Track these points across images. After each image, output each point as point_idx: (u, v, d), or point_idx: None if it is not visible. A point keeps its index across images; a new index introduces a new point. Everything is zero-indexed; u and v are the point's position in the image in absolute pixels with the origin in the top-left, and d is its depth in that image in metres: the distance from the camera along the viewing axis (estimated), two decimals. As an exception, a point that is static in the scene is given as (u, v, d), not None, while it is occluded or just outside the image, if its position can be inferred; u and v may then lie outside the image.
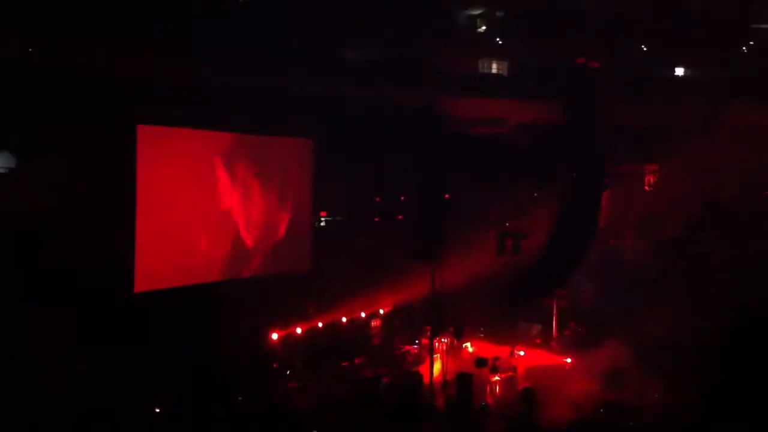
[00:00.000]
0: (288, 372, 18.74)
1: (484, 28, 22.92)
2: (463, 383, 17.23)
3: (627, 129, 20.26)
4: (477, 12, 22.65)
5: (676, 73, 23.25)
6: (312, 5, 17.68)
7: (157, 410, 14.92)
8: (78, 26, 15.20)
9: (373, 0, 18.35)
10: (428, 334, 19.87)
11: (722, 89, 20.72)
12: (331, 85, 18.72)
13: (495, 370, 18.71)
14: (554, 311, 22.34)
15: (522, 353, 20.34)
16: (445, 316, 20.21)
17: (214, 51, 16.66)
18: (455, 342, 20.85)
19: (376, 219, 23.98)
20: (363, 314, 21.73)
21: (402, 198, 24.40)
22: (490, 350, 20.42)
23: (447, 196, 23.20)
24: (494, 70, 23.13)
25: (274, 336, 19.40)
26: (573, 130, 18.81)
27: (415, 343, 21.31)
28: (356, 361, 19.69)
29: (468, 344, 21.50)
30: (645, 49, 22.21)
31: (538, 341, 22.29)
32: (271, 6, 17.59)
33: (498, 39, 22.87)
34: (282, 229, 21.37)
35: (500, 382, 18.68)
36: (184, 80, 16.77)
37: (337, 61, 19.30)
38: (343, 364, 19.48)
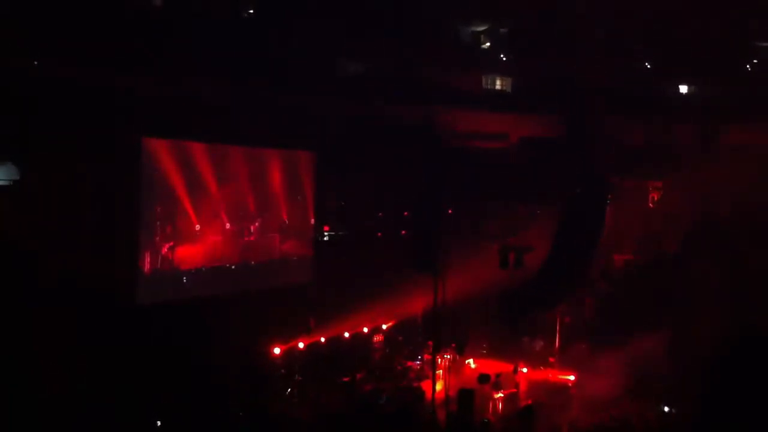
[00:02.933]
0: (289, 386, 18.69)
1: (488, 44, 23.02)
2: (465, 399, 17.13)
3: (628, 145, 20.29)
4: (481, 28, 22.77)
5: (677, 92, 23.27)
6: (313, 21, 17.80)
7: (158, 423, 14.88)
8: (83, 42, 15.35)
9: (375, 16, 18.44)
10: (430, 349, 19.80)
11: (722, 108, 20.76)
12: (331, 101, 18.81)
13: (497, 387, 18.61)
14: (557, 327, 22.22)
15: (525, 370, 20.22)
16: (447, 332, 20.14)
17: (215, 68, 16.79)
18: (457, 358, 20.78)
19: (379, 234, 23.98)
20: (365, 329, 21.66)
21: (405, 213, 24.40)
22: (493, 366, 20.32)
23: (450, 211, 23.20)
24: (498, 86, 23.21)
25: (276, 350, 19.35)
26: (574, 146, 18.85)
27: (417, 359, 21.22)
28: (358, 376, 19.61)
29: (470, 360, 21.40)
30: (648, 66, 22.27)
31: (537, 357, 22.15)
32: (273, 23, 17.72)
33: (502, 55, 22.97)
34: (284, 243, 21.38)
35: (502, 399, 18.57)
36: (186, 95, 16.88)
37: (337, 77, 19.39)
38: (345, 378, 19.41)
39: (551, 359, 21.60)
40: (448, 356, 20.22)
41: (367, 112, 19.68)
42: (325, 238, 22.92)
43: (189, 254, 18.89)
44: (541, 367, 21.13)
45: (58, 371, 14.67)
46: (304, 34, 17.96)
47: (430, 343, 19.98)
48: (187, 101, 16.89)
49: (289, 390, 18.61)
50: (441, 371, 19.49)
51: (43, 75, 15.27)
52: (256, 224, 20.61)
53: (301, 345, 19.92)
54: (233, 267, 20.00)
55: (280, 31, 17.81)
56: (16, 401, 13.62)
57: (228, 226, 19.85)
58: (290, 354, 19.62)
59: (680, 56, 21.65)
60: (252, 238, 20.50)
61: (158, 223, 18.12)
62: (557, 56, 19.93)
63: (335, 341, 20.77)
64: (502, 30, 22.56)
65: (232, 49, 16.87)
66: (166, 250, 18.31)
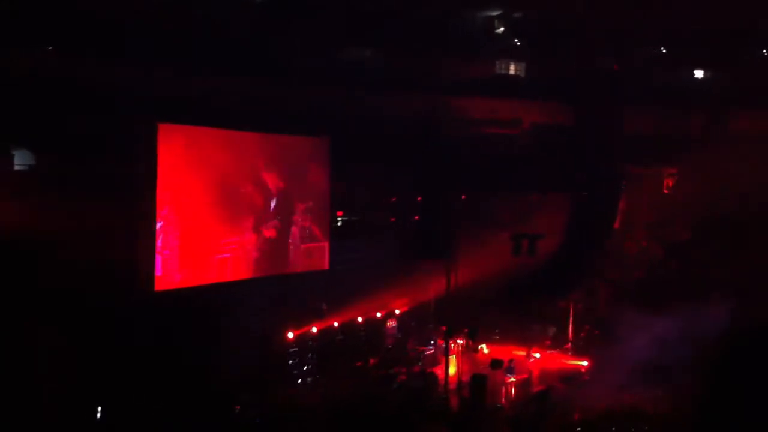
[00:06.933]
0: (301, 371, 18.83)
1: (502, 29, 22.90)
2: (478, 384, 17.23)
3: (641, 133, 20.18)
4: (495, 13, 22.64)
5: (690, 78, 23.08)
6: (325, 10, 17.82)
7: (167, 408, 14.97)
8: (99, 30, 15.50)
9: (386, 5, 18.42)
10: (443, 335, 19.89)
11: (733, 96, 20.61)
12: (342, 90, 18.85)
13: (510, 372, 18.71)
14: (570, 314, 22.26)
15: (537, 355, 20.30)
16: (460, 317, 20.22)
17: (226, 62, 16.91)
18: (470, 343, 20.87)
19: (392, 219, 24.03)
20: (379, 314, 21.76)
21: (418, 198, 24.43)
22: (506, 352, 20.39)
23: (463, 197, 23.20)
24: (512, 71, 23.11)
25: (290, 335, 19.49)
26: (587, 133, 18.77)
27: (430, 344, 21.32)
28: (371, 361, 19.74)
29: (483, 345, 21.49)
30: (663, 51, 22.10)
31: (550, 343, 22.21)
32: (285, 15, 17.76)
33: (516, 40, 22.87)
34: (300, 229, 21.45)
35: (515, 384, 18.67)
36: (201, 86, 17.03)
37: (346, 65, 19.41)
38: (358, 363, 19.53)
39: (565, 345, 21.67)
40: (461, 341, 20.33)
41: (378, 100, 19.67)
42: (339, 224, 22.97)
43: (204, 240, 19.01)
44: (554, 353, 21.19)
45: (67, 353, 14.74)
46: (315, 23, 17.98)
47: (443, 328, 20.08)
48: (203, 91, 16.97)
49: (301, 376, 18.74)
50: (454, 356, 19.61)
51: (58, 64, 15.36)
52: (273, 210, 20.67)
53: (314, 329, 20.05)
54: (248, 252, 20.10)
55: (288, 21, 17.86)
56: (24, 394, 13.70)
57: (244, 211, 19.94)
58: (304, 338, 19.76)
59: (693, 42, 21.47)
60: (268, 224, 20.57)
61: (175, 208, 18.21)
62: (570, 44, 19.83)
63: (349, 326, 20.89)
64: (516, 15, 22.44)
65: (242, 47, 17.00)
66: (181, 236, 18.42)
